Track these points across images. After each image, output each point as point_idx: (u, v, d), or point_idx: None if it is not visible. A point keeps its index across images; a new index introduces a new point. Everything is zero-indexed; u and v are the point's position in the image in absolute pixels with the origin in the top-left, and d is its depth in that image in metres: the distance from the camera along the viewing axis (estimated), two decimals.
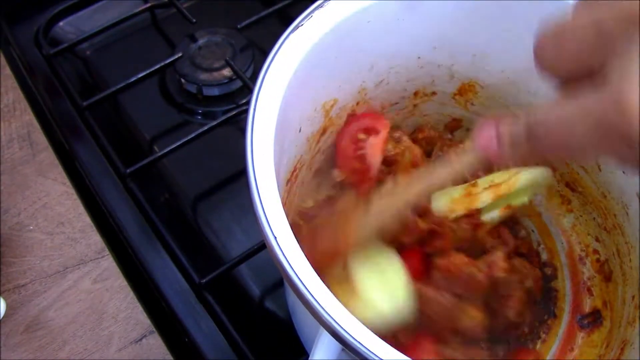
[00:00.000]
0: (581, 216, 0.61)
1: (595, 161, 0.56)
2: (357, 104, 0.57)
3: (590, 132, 0.26)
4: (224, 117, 0.67)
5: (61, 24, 0.80)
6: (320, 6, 0.48)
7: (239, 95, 0.74)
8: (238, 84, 0.74)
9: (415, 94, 0.60)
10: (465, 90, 0.60)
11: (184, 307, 0.56)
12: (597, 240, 0.59)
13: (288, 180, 0.50)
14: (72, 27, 0.80)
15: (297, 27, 0.46)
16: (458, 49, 0.56)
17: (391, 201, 0.44)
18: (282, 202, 0.39)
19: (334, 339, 0.35)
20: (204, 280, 0.56)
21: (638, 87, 0.23)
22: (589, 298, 0.58)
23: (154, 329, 0.59)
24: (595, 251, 0.59)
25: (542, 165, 0.55)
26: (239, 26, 0.75)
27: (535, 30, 0.36)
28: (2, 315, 0.60)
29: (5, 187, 0.69)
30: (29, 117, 0.74)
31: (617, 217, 0.56)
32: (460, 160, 0.40)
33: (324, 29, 0.47)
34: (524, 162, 0.42)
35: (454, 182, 0.45)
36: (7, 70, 0.75)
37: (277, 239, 0.36)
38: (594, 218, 0.59)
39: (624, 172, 0.53)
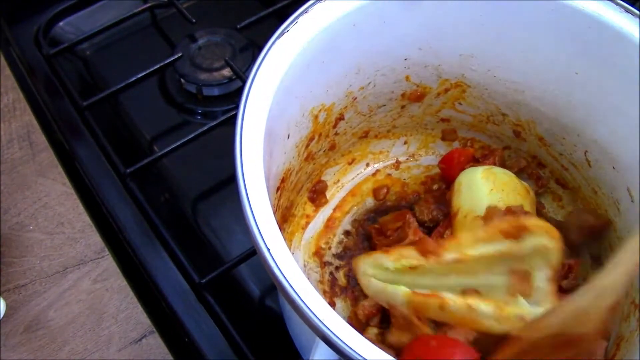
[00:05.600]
0: (573, 212, 0.61)
1: (585, 157, 0.56)
2: (345, 107, 0.57)
3: None
4: (223, 117, 0.67)
5: (61, 24, 0.80)
6: (305, 11, 0.48)
7: (239, 95, 0.74)
8: (238, 84, 0.74)
9: (403, 95, 0.60)
10: (453, 90, 0.60)
11: (184, 307, 0.56)
12: None
13: (278, 188, 0.51)
14: (72, 27, 0.80)
15: (282, 33, 0.46)
16: (444, 50, 0.56)
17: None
18: (273, 210, 0.39)
19: (329, 348, 0.35)
20: (204, 280, 0.56)
21: None
22: None
23: (154, 329, 0.59)
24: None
25: None
26: (238, 26, 0.75)
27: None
28: (2, 315, 0.60)
29: (5, 187, 0.69)
30: (29, 117, 0.74)
31: (608, 212, 0.56)
32: None
33: (309, 34, 0.47)
34: None
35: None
36: (7, 70, 0.75)
37: (270, 250, 0.37)
38: None
39: (614, 168, 0.53)
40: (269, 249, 0.37)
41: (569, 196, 0.61)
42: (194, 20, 0.75)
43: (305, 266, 0.58)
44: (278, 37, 0.46)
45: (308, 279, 0.38)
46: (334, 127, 0.58)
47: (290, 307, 0.36)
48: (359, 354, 0.34)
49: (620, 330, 0.50)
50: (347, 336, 0.34)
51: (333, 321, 0.35)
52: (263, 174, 0.40)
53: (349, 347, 0.34)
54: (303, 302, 0.35)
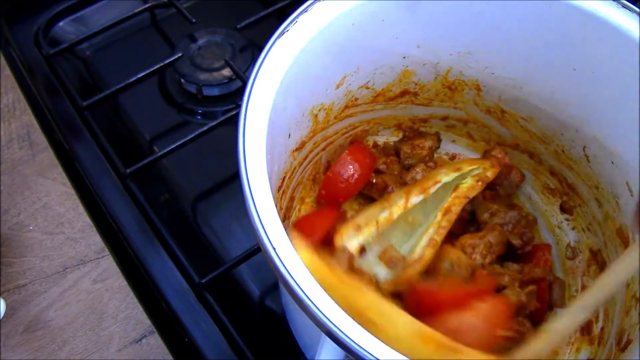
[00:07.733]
0: (572, 207, 0.61)
1: (583, 153, 0.56)
2: (346, 106, 0.57)
3: None
4: (223, 117, 0.67)
5: (61, 24, 0.80)
6: (305, 11, 0.48)
7: (239, 95, 0.74)
8: (238, 84, 0.74)
9: (402, 93, 0.60)
10: (451, 88, 0.60)
11: (184, 307, 0.56)
12: (588, 230, 0.59)
13: (279, 188, 0.51)
14: (72, 27, 0.80)
15: (282, 32, 0.46)
16: (443, 47, 0.56)
17: None
18: (277, 210, 0.39)
19: (337, 345, 0.35)
20: (204, 280, 0.56)
21: None
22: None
23: (154, 329, 0.59)
24: (588, 241, 0.59)
25: None
26: (238, 26, 0.75)
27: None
28: (2, 315, 0.60)
29: (5, 187, 0.69)
30: (29, 117, 0.74)
31: (608, 208, 0.56)
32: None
33: (309, 34, 0.47)
34: None
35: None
36: (7, 70, 0.75)
37: (276, 249, 0.37)
38: (585, 209, 0.59)
39: (612, 163, 0.53)
40: (274, 248, 0.36)
41: (567, 192, 0.61)
42: (194, 20, 0.75)
43: None
44: (278, 37, 0.46)
45: None
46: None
47: (294, 306, 0.36)
48: (367, 352, 0.33)
49: (622, 325, 0.50)
50: (355, 333, 0.34)
51: (340, 318, 0.34)
52: (266, 173, 0.40)
53: (357, 344, 0.33)
54: (310, 299, 0.35)
